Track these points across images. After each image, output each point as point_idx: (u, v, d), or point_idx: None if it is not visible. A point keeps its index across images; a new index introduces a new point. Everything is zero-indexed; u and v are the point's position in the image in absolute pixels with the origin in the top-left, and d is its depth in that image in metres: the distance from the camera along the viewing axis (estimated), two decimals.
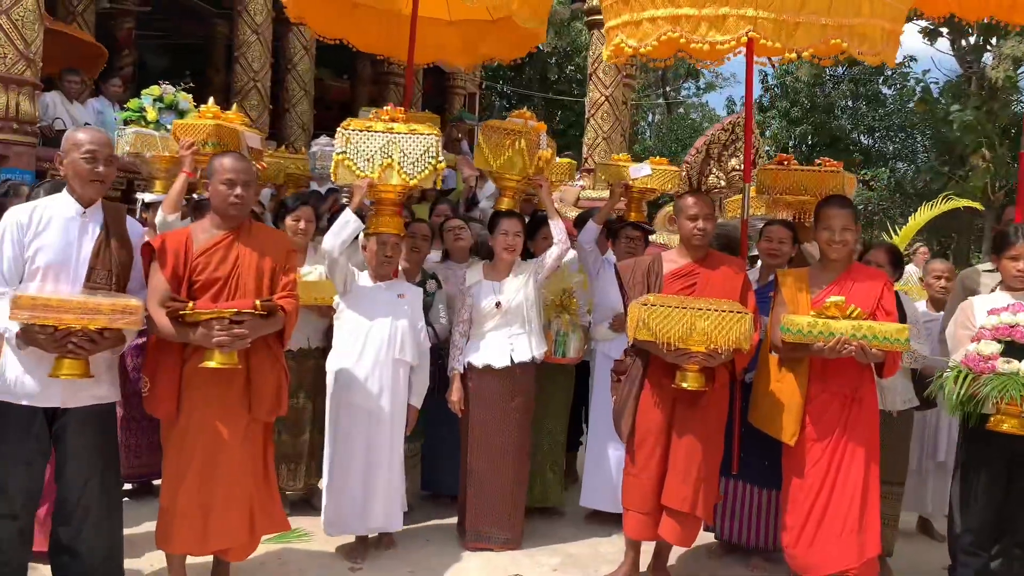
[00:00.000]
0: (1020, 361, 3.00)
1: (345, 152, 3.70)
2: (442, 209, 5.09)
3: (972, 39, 19.76)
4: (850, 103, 24.09)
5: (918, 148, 24.71)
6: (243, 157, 3.24)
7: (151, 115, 4.16)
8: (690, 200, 3.60)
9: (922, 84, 22.03)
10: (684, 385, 3.33)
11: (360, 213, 3.81)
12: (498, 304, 4.04)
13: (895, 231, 25.68)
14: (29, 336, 2.73)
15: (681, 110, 33.28)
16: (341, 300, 3.83)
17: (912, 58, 24.25)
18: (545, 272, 4.18)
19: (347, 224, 3.67)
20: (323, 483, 3.84)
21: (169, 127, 4.15)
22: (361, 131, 3.74)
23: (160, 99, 4.24)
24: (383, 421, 3.77)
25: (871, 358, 3.25)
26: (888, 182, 22.66)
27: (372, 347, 3.74)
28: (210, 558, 3.29)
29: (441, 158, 3.85)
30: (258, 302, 2.99)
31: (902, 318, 3.77)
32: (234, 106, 4.52)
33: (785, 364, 3.48)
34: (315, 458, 4.19)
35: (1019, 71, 19.86)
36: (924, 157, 24.25)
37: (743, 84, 4.09)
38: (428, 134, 3.82)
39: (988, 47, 18.37)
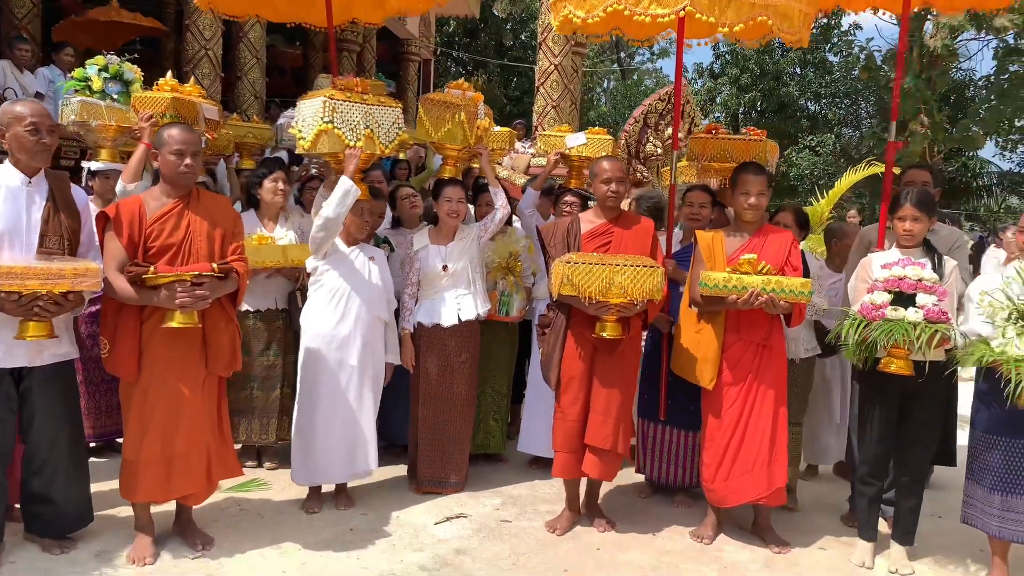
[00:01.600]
0: (906, 309, 3.37)
1: (332, 122, 3.77)
2: (375, 175, 5.23)
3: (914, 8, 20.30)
4: (798, 70, 24.58)
5: (863, 114, 25.39)
6: (190, 128, 3.38)
7: (96, 84, 4.23)
8: (605, 164, 3.88)
9: (866, 52, 22.56)
10: (604, 335, 3.64)
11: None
12: (445, 267, 4.29)
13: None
14: None
15: (636, 76, 33.53)
16: (320, 263, 3.95)
17: (857, 26, 24.80)
18: (487, 235, 4.45)
19: (348, 192, 3.76)
20: (293, 436, 3.99)
21: (115, 97, 4.24)
22: (345, 102, 3.82)
23: (105, 69, 4.29)
24: (366, 375, 3.99)
25: (780, 309, 3.58)
26: (834, 147, 23.32)
27: (354, 307, 3.93)
28: (171, 506, 3.53)
29: (404, 128, 4.04)
30: (215, 265, 3.19)
31: (806, 274, 4.15)
32: (191, 79, 4.58)
33: (703, 316, 3.80)
34: (287, 414, 4.38)
35: (956, 40, 20.55)
36: (869, 123, 24.94)
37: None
38: (395, 106, 3.99)
39: (928, 16, 18.86)
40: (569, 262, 3.60)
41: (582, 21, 3.77)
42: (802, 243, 4.36)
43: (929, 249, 3.65)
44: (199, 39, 8.62)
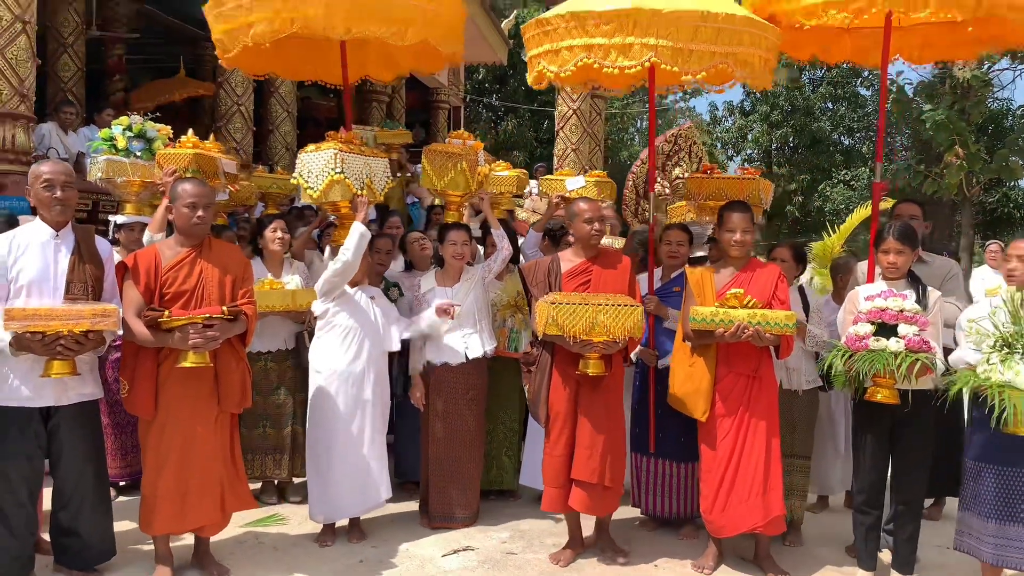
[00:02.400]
0: (888, 339, 3.46)
1: (343, 172, 4.06)
2: (394, 221, 5.48)
3: None
4: (830, 105, 24.57)
5: (897, 147, 25.18)
6: (203, 183, 3.66)
7: (120, 143, 4.56)
8: (583, 205, 4.02)
9: (896, 85, 22.51)
10: (588, 371, 3.78)
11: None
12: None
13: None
14: (22, 343, 3.17)
15: (670, 115, 33.82)
16: (331, 305, 4.16)
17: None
18: (491, 275, 4.63)
19: (363, 236, 4.03)
20: (308, 473, 4.19)
21: (138, 154, 4.57)
22: (351, 154, 4.12)
23: (129, 128, 4.63)
24: (378, 409, 4.21)
25: (766, 342, 3.69)
26: (868, 180, 23.14)
27: (366, 344, 4.15)
28: (190, 539, 3.73)
29: (391, 177, 4.31)
30: (225, 308, 3.43)
31: (806, 308, 4.26)
32: (211, 136, 4.90)
33: (695, 350, 3.92)
34: (299, 451, 4.61)
35: (990, 70, 20.42)
36: (904, 155, 24.74)
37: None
38: (384, 157, 4.29)
39: None
40: (554, 303, 3.74)
41: (555, 75, 3.99)
42: (803, 277, 4.47)
43: (914, 280, 3.74)
44: (231, 95, 9.08)
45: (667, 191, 6.20)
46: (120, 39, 12.10)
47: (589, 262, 4.01)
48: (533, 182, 7.40)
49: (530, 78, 4.23)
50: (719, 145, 26.83)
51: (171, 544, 3.69)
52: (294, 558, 3.95)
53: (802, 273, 4.47)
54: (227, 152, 4.84)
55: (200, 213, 3.50)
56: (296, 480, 4.81)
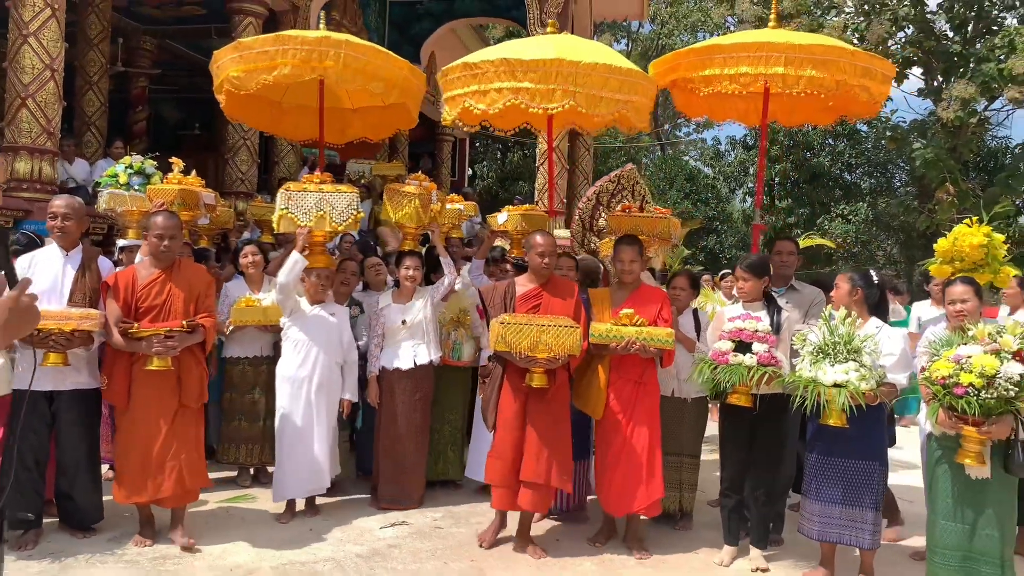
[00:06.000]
0: (744, 355, 4.18)
1: (287, 208, 4.88)
2: (348, 239, 6.27)
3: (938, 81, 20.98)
4: (830, 141, 25.16)
5: (896, 183, 25.74)
6: (172, 216, 4.41)
7: (122, 179, 5.49)
8: (539, 239, 4.55)
9: (891, 123, 23.14)
10: (533, 384, 4.32)
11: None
12: (404, 322, 5.22)
13: (875, 261, 26.35)
14: (24, 338, 3.89)
15: (682, 148, 34.58)
16: (288, 321, 4.98)
17: (889, 98, 25.35)
18: (439, 296, 5.37)
19: (296, 263, 4.78)
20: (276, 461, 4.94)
21: (137, 188, 5.46)
22: (299, 191, 4.93)
23: (131, 166, 5.55)
24: (321, 410, 4.90)
25: (650, 354, 4.42)
26: (866, 215, 23.71)
27: (313, 354, 4.87)
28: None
29: (360, 210, 5.08)
30: (184, 322, 4.20)
31: (698, 328, 4.98)
32: (192, 172, 5.77)
33: (595, 359, 4.59)
34: (269, 441, 5.33)
35: (987, 109, 21.04)
36: (903, 191, 25.29)
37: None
38: (349, 192, 5.03)
39: (944, 87, 19.49)
40: (503, 322, 4.27)
41: (483, 112, 4.70)
42: (696, 301, 5.21)
43: (769, 303, 4.46)
44: (238, 130, 9.93)
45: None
46: (144, 73, 13.12)
47: (541, 288, 4.54)
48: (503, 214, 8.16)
49: (451, 115, 4.94)
50: (722, 178, 27.49)
51: (157, 514, 4.44)
52: (256, 527, 4.70)
53: (695, 298, 5.18)
54: (205, 186, 5.71)
55: (166, 243, 4.26)
56: (270, 468, 5.55)
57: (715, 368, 4.24)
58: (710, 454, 5.20)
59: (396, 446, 5.19)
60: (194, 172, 5.69)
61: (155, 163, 5.62)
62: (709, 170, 28.23)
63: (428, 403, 5.33)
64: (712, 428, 4.81)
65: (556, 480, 4.44)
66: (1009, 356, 3.53)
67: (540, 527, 4.86)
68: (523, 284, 4.61)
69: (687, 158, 31.56)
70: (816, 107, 5.51)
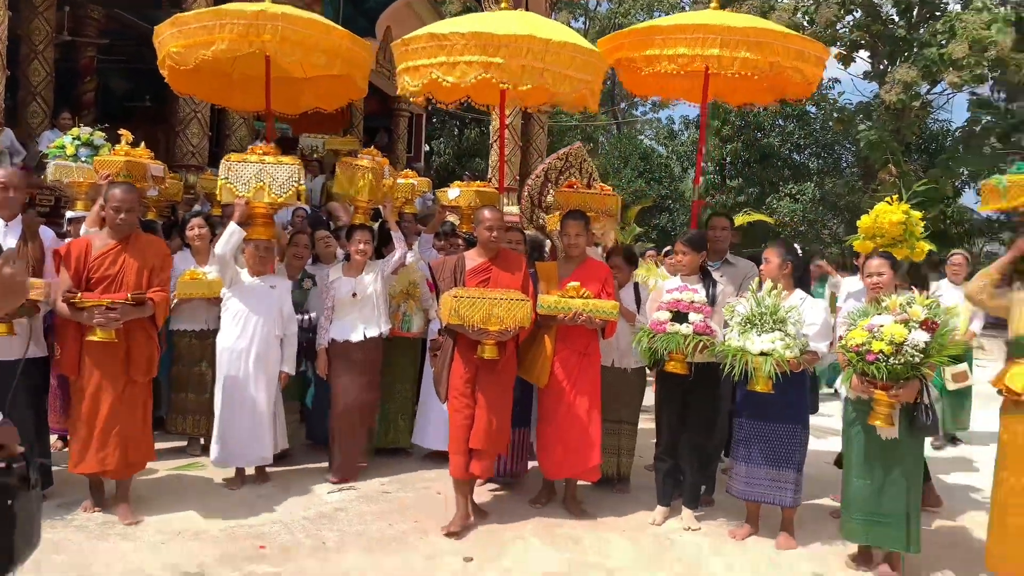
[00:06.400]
0: (681, 324, 4.40)
1: (227, 178, 4.93)
2: (300, 213, 6.30)
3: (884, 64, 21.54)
4: (780, 122, 25.67)
5: (843, 164, 26.39)
6: (129, 189, 4.41)
7: (69, 150, 5.44)
8: (487, 213, 4.59)
9: (837, 105, 23.70)
10: (484, 356, 4.37)
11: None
12: (354, 294, 5.27)
13: (821, 239, 26.95)
14: None
15: (638, 127, 34.86)
16: (227, 291, 5.03)
17: (836, 80, 25.95)
18: (390, 270, 5.43)
19: (232, 234, 4.85)
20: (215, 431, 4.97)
21: (85, 160, 5.41)
22: (239, 162, 4.97)
23: (78, 138, 5.49)
24: (260, 380, 4.92)
25: (595, 325, 4.60)
26: (813, 195, 24.30)
27: (251, 326, 4.91)
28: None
29: (303, 182, 5.09)
30: (130, 295, 4.19)
31: (638, 301, 5.19)
32: (141, 144, 5.78)
33: (541, 331, 4.76)
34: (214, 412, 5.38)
35: (929, 92, 21.67)
36: (849, 172, 25.96)
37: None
38: (292, 164, 5.04)
39: (889, 70, 20.03)
40: (456, 296, 4.32)
41: (452, 85, 4.66)
42: (638, 275, 5.41)
43: (706, 276, 4.69)
44: (189, 103, 9.83)
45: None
46: (92, 43, 12.83)
47: (490, 262, 4.59)
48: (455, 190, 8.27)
49: (413, 85, 4.85)
50: (675, 158, 27.88)
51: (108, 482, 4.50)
52: (205, 494, 4.81)
53: (633, 273, 5.38)
54: (155, 159, 5.72)
55: (122, 216, 4.28)
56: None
57: (653, 337, 4.45)
58: (648, 422, 5.44)
59: (347, 417, 5.26)
60: (143, 144, 5.68)
61: (103, 135, 5.59)
62: (663, 149, 28.58)
63: (378, 375, 5.43)
64: (650, 397, 5.04)
65: (501, 447, 4.63)
66: (917, 325, 3.79)
67: (484, 492, 5.05)
68: (472, 258, 4.68)
69: (642, 137, 31.83)
70: (755, 87, 5.71)
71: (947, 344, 3.82)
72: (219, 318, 5.43)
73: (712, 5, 5.63)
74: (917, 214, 5.06)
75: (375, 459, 5.61)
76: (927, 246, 5.16)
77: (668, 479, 4.73)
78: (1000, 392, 3.84)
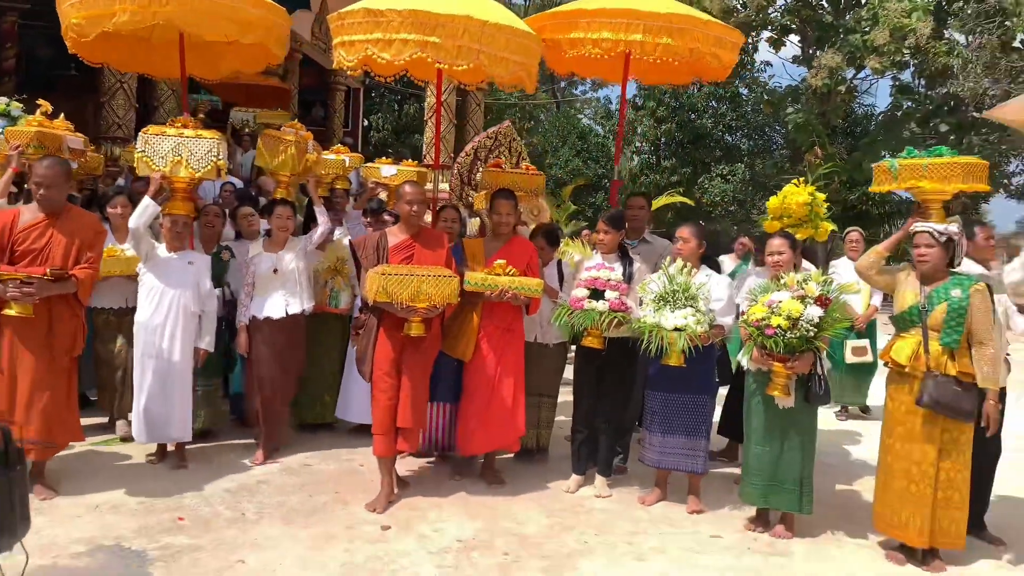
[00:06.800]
0: (598, 301, 4.55)
1: (144, 151, 4.83)
2: (228, 188, 6.23)
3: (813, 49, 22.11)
4: (713, 103, 26.16)
5: (773, 146, 27.09)
6: (53, 164, 4.29)
7: None
8: (408, 188, 4.62)
9: (767, 88, 24.29)
10: (411, 333, 4.39)
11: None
12: (275, 270, 5.21)
13: (751, 219, 27.63)
14: None
15: (578, 106, 35.04)
16: (143, 267, 4.88)
17: (768, 63, 26.47)
18: (313, 246, 5.40)
19: (147, 208, 4.76)
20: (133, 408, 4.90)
21: (0, 131, 5.26)
22: (157, 135, 4.86)
23: None
24: (174, 357, 4.80)
25: (520, 302, 4.72)
26: (744, 176, 24.90)
27: (166, 301, 4.80)
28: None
29: (223, 157, 4.96)
30: (48, 270, 4.10)
31: (561, 279, 5.31)
32: (61, 115, 5.63)
33: (467, 306, 4.78)
34: (129, 389, 5.22)
35: (855, 77, 22.35)
36: (778, 154, 26.67)
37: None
38: (211, 138, 4.94)
39: (816, 54, 20.57)
40: (384, 274, 4.27)
41: (387, 63, 4.61)
42: (561, 253, 5.53)
43: (624, 255, 4.86)
44: (115, 73, 9.52)
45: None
46: (14, 8, 12.31)
47: (412, 239, 4.59)
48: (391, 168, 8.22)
49: (349, 60, 4.73)
50: (612, 137, 28.15)
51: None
52: (125, 470, 4.82)
53: (556, 250, 5.51)
54: (74, 130, 5.58)
55: (43, 191, 4.19)
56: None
57: (572, 313, 4.60)
58: (568, 395, 5.61)
59: (270, 395, 5.21)
60: (62, 116, 5.54)
61: (22, 105, 5.42)
62: (600, 129, 28.83)
63: (301, 352, 5.39)
64: (570, 371, 5.20)
65: (423, 422, 4.71)
66: (812, 301, 4.03)
67: (411, 463, 5.17)
68: (395, 235, 4.68)
69: (581, 116, 32.05)
70: (672, 69, 5.86)
71: (839, 319, 4.07)
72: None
73: None
74: (821, 196, 5.32)
75: (300, 434, 5.67)
76: (830, 226, 5.44)
77: (583, 449, 4.92)
78: (885, 364, 4.11)
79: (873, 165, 4.57)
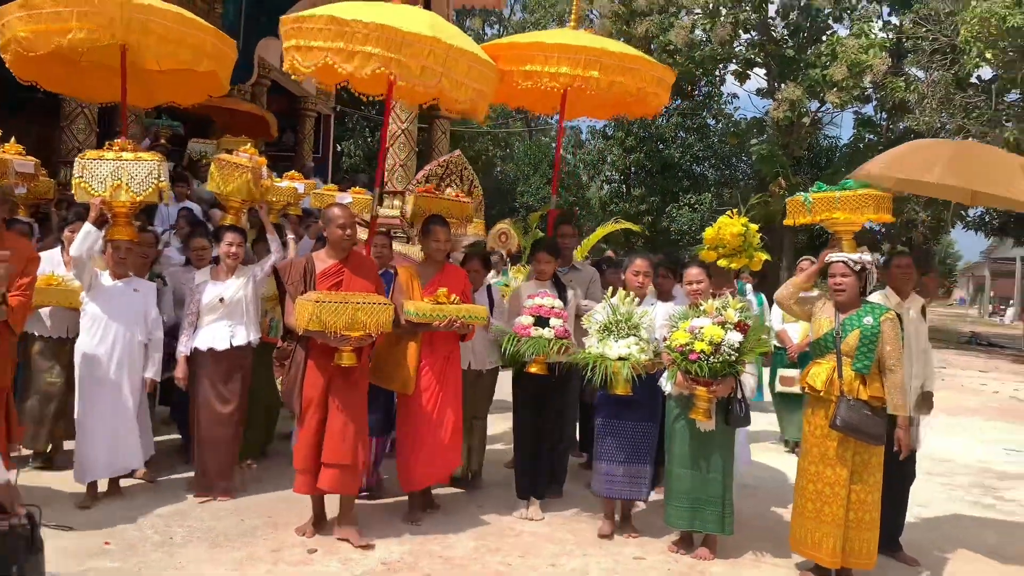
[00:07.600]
0: (544, 328, 4.64)
1: (82, 177, 4.74)
2: (184, 212, 6.28)
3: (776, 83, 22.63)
4: (681, 134, 26.64)
5: (739, 176, 27.57)
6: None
7: None
8: (337, 211, 4.43)
9: (733, 120, 24.80)
10: (343, 363, 4.19)
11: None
12: (221, 300, 5.01)
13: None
14: None
15: (552, 134, 35.43)
16: (86, 295, 4.76)
17: (734, 95, 26.97)
18: (262, 275, 5.26)
19: (88, 234, 4.60)
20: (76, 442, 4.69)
21: None
22: (95, 159, 4.81)
23: None
24: (122, 388, 4.74)
25: (467, 330, 4.75)
26: (710, 205, 25.30)
27: (111, 331, 4.72)
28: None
29: (164, 179, 4.92)
30: None
31: (491, 304, 5.39)
32: (11, 140, 5.65)
33: (405, 336, 4.70)
34: (60, 422, 5.20)
35: (820, 110, 22.89)
36: (746, 183, 27.14)
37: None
38: (151, 160, 4.86)
39: (778, 87, 21.08)
40: (318, 301, 4.09)
41: (348, 74, 4.49)
42: (488, 278, 5.62)
43: (557, 284, 4.99)
44: (75, 99, 9.59)
45: None
46: None
47: (341, 264, 4.41)
48: (345, 195, 8.32)
49: (304, 66, 4.51)
50: (582, 166, 28.53)
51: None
52: (52, 497, 4.68)
53: (487, 276, 5.61)
54: (24, 154, 5.60)
55: None
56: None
57: (519, 340, 4.66)
58: (505, 422, 5.68)
59: (211, 432, 4.99)
60: (13, 139, 5.55)
61: None
62: (571, 157, 29.19)
63: (246, 387, 5.13)
64: (499, 393, 5.23)
65: (361, 456, 4.39)
66: (732, 326, 4.16)
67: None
68: (322, 260, 4.48)
69: (554, 145, 32.43)
70: (600, 103, 6.07)
71: (758, 341, 4.21)
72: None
73: (570, 25, 5.94)
74: (754, 227, 5.49)
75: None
76: (764, 256, 5.61)
77: (524, 475, 4.98)
78: (802, 389, 4.25)
79: (787, 200, 4.74)
